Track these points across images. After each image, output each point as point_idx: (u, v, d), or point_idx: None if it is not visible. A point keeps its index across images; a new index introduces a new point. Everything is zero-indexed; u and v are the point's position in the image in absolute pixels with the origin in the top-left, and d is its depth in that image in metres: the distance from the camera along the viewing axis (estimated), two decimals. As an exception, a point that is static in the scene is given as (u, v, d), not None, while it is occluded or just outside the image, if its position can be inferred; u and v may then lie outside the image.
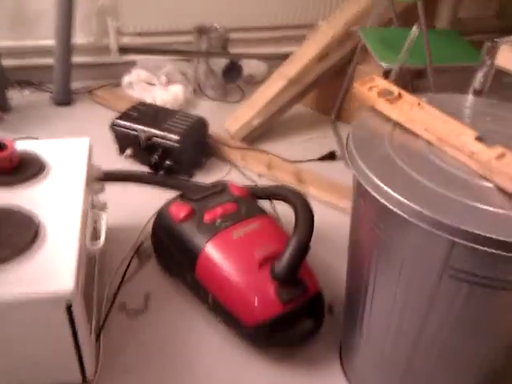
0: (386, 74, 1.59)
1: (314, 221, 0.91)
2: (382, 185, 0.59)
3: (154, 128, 1.38)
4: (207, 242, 0.91)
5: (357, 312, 0.78)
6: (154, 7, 1.87)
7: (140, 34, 1.91)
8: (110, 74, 1.91)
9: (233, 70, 1.74)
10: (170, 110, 1.52)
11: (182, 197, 1.04)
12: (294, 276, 0.87)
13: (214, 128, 1.53)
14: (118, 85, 1.86)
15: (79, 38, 1.81)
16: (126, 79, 1.83)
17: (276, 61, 1.75)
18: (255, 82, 1.93)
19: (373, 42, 1.43)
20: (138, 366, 0.87)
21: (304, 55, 1.61)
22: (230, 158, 1.48)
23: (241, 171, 1.44)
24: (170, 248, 0.99)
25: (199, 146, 1.45)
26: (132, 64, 1.88)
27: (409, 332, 0.69)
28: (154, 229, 1.05)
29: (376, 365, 0.78)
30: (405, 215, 0.57)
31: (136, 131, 1.38)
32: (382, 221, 0.64)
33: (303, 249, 0.87)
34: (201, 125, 1.45)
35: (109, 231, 1.08)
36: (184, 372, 0.87)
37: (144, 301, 0.99)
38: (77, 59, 1.82)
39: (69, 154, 0.94)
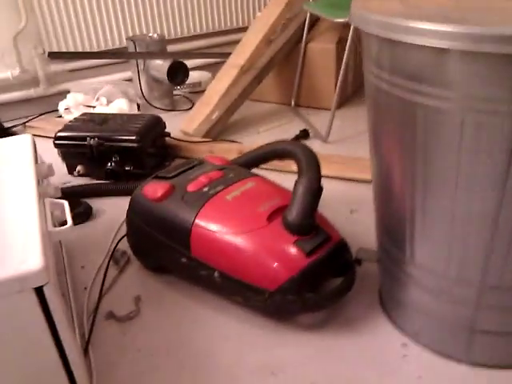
0: (340, 41, 1.55)
1: (319, 163, 0.77)
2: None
3: (105, 132, 1.21)
4: (198, 210, 0.75)
5: (401, 245, 0.64)
6: (79, 27, 1.74)
7: (68, 59, 1.78)
8: (44, 106, 1.74)
9: (178, 71, 1.62)
10: (118, 114, 1.37)
11: (154, 178, 0.87)
12: (312, 222, 0.72)
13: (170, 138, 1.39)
14: (54, 114, 1.69)
15: (1, 73, 1.65)
16: (63, 105, 1.66)
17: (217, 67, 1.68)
18: (201, 91, 1.84)
19: (322, 8, 1.38)
20: (144, 376, 0.68)
21: (250, 42, 1.54)
22: (196, 155, 1.34)
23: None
24: (153, 237, 0.80)
25: (159, 146, 1.30)
26: (65, 93, 1.73)
27: (478, 247, 0.56)
28: (128, 221, 0.87)
29: (431, 309, 0.65)
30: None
31: (84, 140, 1.20)
32: (428, 76, 0.52)
33: (315, 189, 0.73)
34: (156, 123, 1.30)
35: (77, 246, 0.96)
36: (204, 371, 0.67)
37: (135, 304, 0.80)
38: (3, 97, 1.67)
39: (10, 151, 0.78)
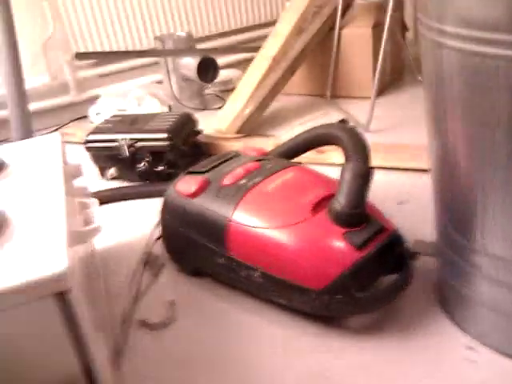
0: (376, 25, 1.46)
1: (368, 145, 0.70)
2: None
3: (136, 132, 1.17)
4: (236, 204, 0.69)
5: (468, 232, 0.56)
6: (106, 30, 1.72)
7: (98, 64, 1.76)
8: (75, 113, 1.72)
9: (208, 68, 1.58)
10: (148, 114, 1.32)
11: (188, 173, 0.82)
12: (363, 211, 0.64)
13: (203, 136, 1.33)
14: (84, 119, 1.66)
15: (32, 82, 1.62)
16: (93, 110, 1.63)
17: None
18: (233, 89, 1.80)
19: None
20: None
21: (281, 32, 1.47)
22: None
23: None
24: (188, 236, 0.75)
25: (191, 144, 1.25)
26: (96, 98, 1.70)
27: None
28: (162, 221, 0.82)
29: (504, 305, 0.56)
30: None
31: (115, 141, 1.16)
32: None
33: (365, 173, 0.65)
34: (188, 119, 1.25)
35: (110, 252, 0.92)
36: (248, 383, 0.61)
37: (169, 310, 0.74)
38: (34, 105, 1.63)
39: (38, 150, 0.75)
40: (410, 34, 1.81)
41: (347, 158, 0.68)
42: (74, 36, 1.67)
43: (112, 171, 1.21)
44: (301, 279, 0.62)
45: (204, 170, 0.79)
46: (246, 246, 0.68)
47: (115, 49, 1.75)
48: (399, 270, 0.65)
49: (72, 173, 0.78)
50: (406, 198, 0.95)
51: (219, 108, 1.62)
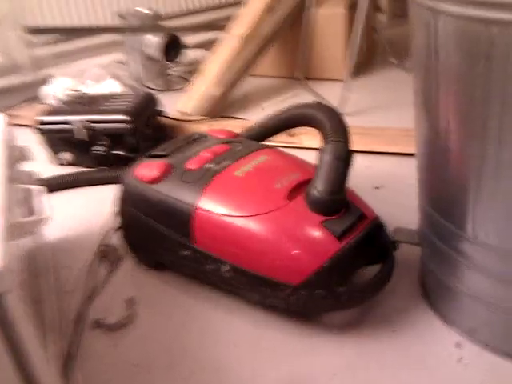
0: (351, 6, 1.41)
1: (347, 126, 0.64)
2: None
3: (94, 113, 1.07)
4: (202, 191, 0.62)
5: (458, 219, 0.51)
6: (65, 4, 1.60)
7: (54, 41, 1.62)
8: (27, 94, 1.54)
9: (172, 46, 1.48)
10: (106, 94, 1.22)
11: (148, 157, 0.74)
12: (343, 197, 0.59)
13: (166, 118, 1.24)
14: (37, 101, 1.51)
15: None
16: (46, 90, 1.48)
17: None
18: (196, 70, 1.67)
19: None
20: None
21: (251, 11, 1.38)
22: None
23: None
24: (148, 225, 0.67)
25: (153, 126, 1.16)
26: (49, 79, 1.54)
27: None
28: (120, 209, 0.73)
29: (496, 298, 0.51)
30: None
31: (70, 124, 1.06)
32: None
33: (345, 156, 0.59)
34: (150, 100, 1.15)
35: (62, 244, 0.84)
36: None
37: (127, 308, 0.66)
38: None
39: None
40: (383, 17, 1.77)
41: (326, 140, 0.61)
42: (29, 10, 1.53)
43: (66, 156, 1.11)
44: (275, 273, 0.56)
45: (166, 153, 0.72)
46: (214, 236, 0.61)
47: (72, 23, 1.62)
48: (380, 261, 0.60)
49: (17, 156, 0.69)
50: (381, 182, 0.90)
51: (183, 89, 1.52)
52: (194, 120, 1.23)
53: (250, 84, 1.48)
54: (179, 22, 1.84)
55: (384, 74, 1.55)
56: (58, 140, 1.10)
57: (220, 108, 1.33)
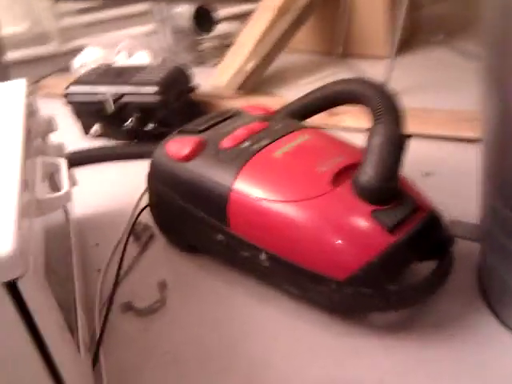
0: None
1: (399, 105, 0.56)
2: None
3: (122, 84, 1.03)
4: (238, 171, 0.57)
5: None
6: None
7: (83, 11, 1.60)
8: (56, 65, 1.55)
9: (204, 18, 1.42)
10: (137, 66, 1.18)
11: (180, 133, 0.69)
12: (395, 185, 0.53)
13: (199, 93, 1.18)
14: (68, 71, 1.49)
15: (9, 29, 1.47)
16: (78, 61, 1.46)
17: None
18: (230, 44, 1.60)
19: None
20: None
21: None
22: None
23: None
24: (180, 206, 0.63)
25: (185, 101, 1.11)
26: (80, 50, 1.52)
27: None
28: (150, 187, 0.69)
29: None
30: None
31: (100, 94, 1.02)
32: None
33: (398, 138, 0.52)
34: (181, 73, 1.10)
35: (91, 220, 0.81)
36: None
37: (159, 292, 0.63)
38: (13, 54, 1.48)
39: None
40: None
41: (376, 119, 0.55)
42: None
43: (96, 128, 1.08)
44: (318, 266, 0.51)
45: (199, 129, 0.66)
46: (250, 221, 0.56)
47: None
48: (436, 257, 0.53)
49: (43, 128, 0.65)
50: (432, 169, 0.82)
51: (216, 64, 1.46)
52: (229, 96, 1.18)
53: (285, 59, 1.40)
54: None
55: (428, 52, 1.44)
56: (86, 111, 1.08)
57: (254, 83, 1.26)
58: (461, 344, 0.51)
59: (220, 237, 0.59)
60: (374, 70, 1.28)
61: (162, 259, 0.70)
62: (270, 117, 0.68)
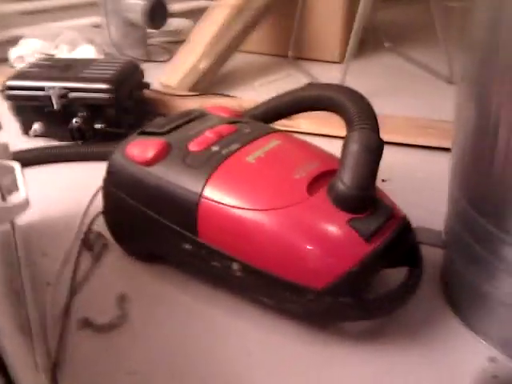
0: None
1: (375, 111, 0.56)
2: None
3: (70, 80, 0.95)
4: (208, 177, 0.54)
5: (502, 217, 0.46)
6: None
7: None
8: None
9: (155, 12, 1.35)
10: (85, 59, 1.12)
11: (141, 134, 0.64)
12: (372, 193, 0.52)
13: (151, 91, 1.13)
14: (4, 62, 1.37)
15: None
16: (15, 52, 1.36)
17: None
18: (181, 41, 1.53)
19: None
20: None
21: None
22: None
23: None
24: (141, 214, 0.58)
25: (137, 99, 1.05)
26: (17, 40, 1.40)
27: None
28: (106, 193, 0.64)
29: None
30: None
31: (43, 90, 0.94)
32: None
33: (376, 146, 0.52)
34: (133, 69, 1.05)
35: (38, 227, 0.74)
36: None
37: (119, 306, 0.58)
38: None
39: None
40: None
41: (351, 126, 0.54)
42: None
43: (37, 126, 0.99)
44: (295, 276, 0.49)
45: (163, 130, 0.62)
46: (221, 230, 0.53)
47: None
48: (408, 264, 0.54)
49: None
50: (388, 175, 0.84)
51: (165, 61, 1.42)
52: (183, 95, 1.13)
53: (239, 60, 1.39)
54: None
55: (377, 58, 1.49)
56: (28, 108, 0.98)
57: (207, 83, 1.23)
58: (431, 350, 0.52)
59: (187, 246, 0.55)
60: (326, 75, 1.29)
61: (119, 270, 0.65)
62: (237, 119, 0.66)
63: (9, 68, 1.34)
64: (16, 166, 0.50)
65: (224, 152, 0.57)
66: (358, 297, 0.48)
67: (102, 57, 1.37)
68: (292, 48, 1.41)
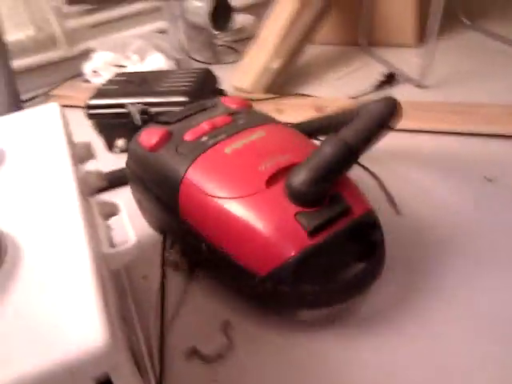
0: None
1: (381, 121, 0.54)
2: None
3: (148, 96, 0.97)
4: (189, 164, 0.58)
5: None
6: None
7: (90, 11, 1.53)
8: (66, 71, 1.48)
9: (220, 13, 1.36)
10: (161, 71, 1.13)
11: (156, 122, 0.72)
12: (322, 190, 0.52)
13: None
14: (79, 78, 1.44)
15: (12, 35, 1.36)
16: (89, 67, 1.41)
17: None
18: (246, 38, 1.53)
19: None
20: None
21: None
22: None
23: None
24: (145, 189, 0.66)
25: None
26: (90, 53, 1.46)
27: None
28: (126, 167, 0.71)
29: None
30: None
31: (124, 107, 0.97)
32: None
33: (342, 149, 0.51)
34: (209, 78, 1.06)
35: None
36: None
37: (224, 333, 0.55)
38: (19, 63, 1.37)
39: (29, 129, 0.55)
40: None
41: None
42: None
43: (121, 143, 1.02)
44: (244, 260, 0.52)
45: (172, 120, 0.69)
46: (195, 211, 0.57)
47: None
48: (368, 255, 0.52)
49: (81, 156, 0.57)
50: (496, 173, 0.75)
51: (234, 62, 1.43)
52: (258, 99, 1.12)
53: (309, 53, 1.35)
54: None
55: (456, 37, 1.33)
56: (110, 126, 1.01)
57: (281, 82, 1.24)
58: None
59: (174, 224, 0.61)
60: (402, 60, 1.21)
61: (212, 291, 0.62)
62: (240, 110, 0.69)
63: (83, 82, 1.43)
64: (121, 206, 0.50)
65: (209, 142, 0.61)
66: (295, 286, 0.49)
67: (171, 63, 1.41)
68: (363, 35, 1.35)
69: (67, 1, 1.40)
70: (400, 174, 0.80)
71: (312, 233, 0.48)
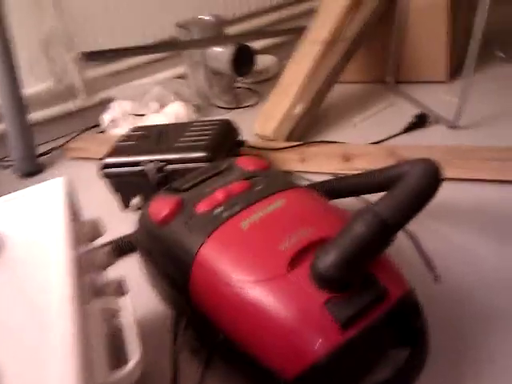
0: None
1: (424, 195, 0.46)
2: None
3: (165, 152, 0.92)
4: (201, 242, 0.52)
5: None
6: (114, 23, 1.45)
7: (108, 61, 1.51)
8: (85, 120, 1.47)
9: (241, 57, 1.32)
10: (179, 124, 1.09)
11: (167, 189, 0.66)
12: (353, 274, 0.44)
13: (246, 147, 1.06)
14: (97, 128, 1.43)
15: (31, 87, 1.37)
16: (107, 117, 1.37)
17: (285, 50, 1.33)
18: (267, 79, 1.53)
19: None
20: None
21: (331, 8, 1.22)
22: (284, 166, 1.01)
23: (306, 179, 0.92)
24: (158, 270, 0.59)
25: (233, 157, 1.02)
26: (108, 101, 1.44)
27: None
28: (138, 247, 0.66)
29: None
30: None
31: (139, 165, 0.91)
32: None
33: (379, 228, 0.43)
34: (228, 130, 1.00)
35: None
36: None
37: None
38: (37, 115, 1.39)
39: (38, 213, 0.49)
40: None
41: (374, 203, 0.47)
42: (79, 28, 1.41)
43: (137, 200, 0.96)
44: (266, 359, 0.44)
45: (184, 187, 0.63)
46: (209, 296, 0.50)
47: (128, 40, 1.46)
48: (409, 344, 0.44)
49: (88, 236, 0.53)
50: None
51: (254, 104, 1.40)
52: (281, 148, 1.06)
53: (333, 93, 1.28)
54: (243, 26, 1.67)
55: (491, 71, 1.25)
56: (126, 184, 0.95)
57: (304, 125, 1.18)
58: None
59: (187, 309, 0.53)
60: (432, 98, 1.14)
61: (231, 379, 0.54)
62: (258, 173, 0.63)
63: (100, 133, 1.40)
64: (127, 304, 0.45)
65: (224, 215, 0.54)
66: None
67: (190, 110, 1.37)
68: (390, 72, 1.29)
69: (83, 58, 1.39)
70: (438, 231, 0.72)
71: (345, 325, 0.41)
